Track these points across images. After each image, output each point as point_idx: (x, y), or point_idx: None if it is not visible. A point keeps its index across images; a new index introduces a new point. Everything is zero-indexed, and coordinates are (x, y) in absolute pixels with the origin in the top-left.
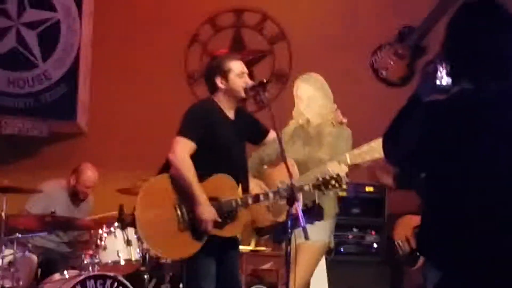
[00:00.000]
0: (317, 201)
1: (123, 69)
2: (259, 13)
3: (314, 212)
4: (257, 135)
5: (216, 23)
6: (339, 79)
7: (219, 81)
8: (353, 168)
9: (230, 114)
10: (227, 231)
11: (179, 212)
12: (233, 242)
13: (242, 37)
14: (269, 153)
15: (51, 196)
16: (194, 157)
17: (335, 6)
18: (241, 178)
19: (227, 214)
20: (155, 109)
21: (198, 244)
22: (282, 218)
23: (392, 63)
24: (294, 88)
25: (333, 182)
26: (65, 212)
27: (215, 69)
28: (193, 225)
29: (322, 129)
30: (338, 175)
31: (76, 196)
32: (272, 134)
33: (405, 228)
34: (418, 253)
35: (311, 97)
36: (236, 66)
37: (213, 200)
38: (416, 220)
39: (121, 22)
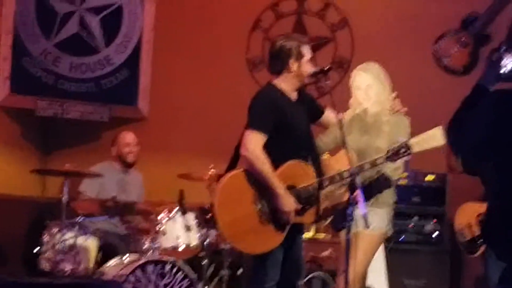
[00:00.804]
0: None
1: (184, 54)
2: (321, 0)
3: (381, 183)
4: (315, 113)
5: (278, 9)
6: (401, 67)
7: (291, 64)
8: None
9: (293, 96)
10: (308, 217)
11: (259, 206)
12: (300, 227)
13: (304, 23)
14: (327, 142)
15: (102, 175)
16: (265, 146)
17: None
18: (313, 159)
19: (305, 200)
20: (216, 94)
21: (282, 235)
22: (339, 205)
23: (455, 51)
24: (351, 78)
25: (402, 150)
26: (118, 185)
27: (289, 51)
28: (275, 217)
29: (380, 118)
30: (406, 142)
31: (124, 163)
32: (330, 117)
33: (467, 215)
34: (479, 241)
35: (368, 86)
36: (308, 52)
37: (290, 188)
38: (478, 207)
39: (183, 7)
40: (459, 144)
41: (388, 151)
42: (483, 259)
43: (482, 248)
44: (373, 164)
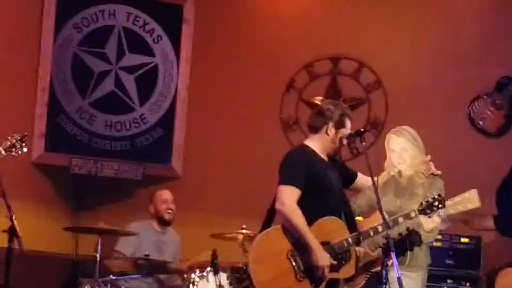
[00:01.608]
0: (411, 227)
1: (218, 113)
2: (355, 61)
3: (411, 238)
4: (347, 177)
5: (312, 70)
6: (434, 128)
7: (329, 128)
8: (447, 219)
9: (324, 157)
10: (343, 273)
11: (294, 263)
12: (336, 284)
13: (338, 84)
14: (361, 205)
15: (139, 234)
16: (299, 202)
17: (433, 55)
18: (347, 217)
19: (340, 255)
20: (250, 154)
21: None
22: (372, 268)
23: (489, 113)
24: (385, 141)
25: (436, 203)
26: (155, 245)
27: (333, 115)
28: (310, 273)
29: (414, 180)
30: (439, 195)
31: (161, 221)
32: (362, 180)
33: (510, 281)
34: None
35: (403, 150)
36: (349, 126)
37: (324, 244)
38: None
39: (218, 67)
40: (506, 211)
41: (421, 204)
42: None
43: None
44: (407, 217)
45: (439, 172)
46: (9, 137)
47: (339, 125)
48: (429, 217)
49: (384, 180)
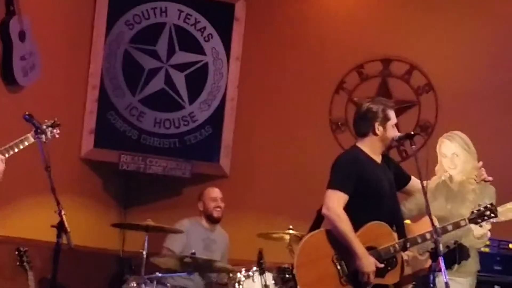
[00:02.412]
0: (459, 241)
1: (267, 113)
2: (407, 63)
3: (459, 253)
4: (401, 179)
5: (363, 71)
6: (486, 132)
7: (377, 127)
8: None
9: (378, 159)
10: (389, 279)
11: (339, 267)
12: None
13: (388, 86)
14: (411, 208)
15: (188, 231)
16: (347, 206)
17: (485, 59)
18: (396, 222)
19: (386, 261)
20: (298, 154)
21: None
22: (421, 272)
23: None
24: (437, 145)
25: (488, 212)
26: (203, 243)
27: (376, 114)
28: (355, 278)
29: (465, 186)
30: (491, 204)
31: (210, 218)
32: (415, 184)
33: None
34: None
35: (454, 155)
36: (393, 116)
37: (371, 249)
38: None
39: (268, 67)
40: None
41: (472, 213)
42: None
43: None
44: (457, 225)
45: (490, 178)
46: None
47: (385, 120)
48: (480, 226)
49: (434, 184)
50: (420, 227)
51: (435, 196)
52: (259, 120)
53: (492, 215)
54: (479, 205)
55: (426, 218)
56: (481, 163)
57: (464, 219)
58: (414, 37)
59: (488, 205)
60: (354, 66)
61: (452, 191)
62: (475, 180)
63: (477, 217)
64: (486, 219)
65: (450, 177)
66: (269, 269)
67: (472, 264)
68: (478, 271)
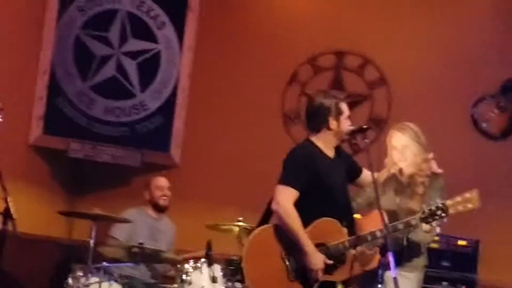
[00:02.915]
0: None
1: (219, 103)
2: (360, 57)
3: (408, 250)
4: (353, 172)
5: (316, 64)
6: (437, 128)
7: (331, 122)
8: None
9: (331, 153)
10: (337, 275)
11: (287, 263)
12: (330, 286)
13: (341, 79)
14: (361, 202)
15: (134, 221)
16: (297, 202)
17: (439, 54)
18: (347, 218)
19: (335, 258)
20: (249, 146)
21: None
22: (369, 267)
23: (493, 115)
24: (387, 137)
25: (439, 212)
26: (149, 232)
27: (329, 109)
28: (303, 274)
29: (415, 179)
30: (443, 204)
31: (156, 207)
32: (366, 176)
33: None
34: None
35: (405, 147)
36: (346, 109)
37: (320, 245)
38: None
39: (221, 57)
40: None
41: (423, 212)
42: None
43: None
44: (407, 224)
45: (440, 170)
46: None
47: (338, 114)
48: (431, 225)
49: (384, 177)
50: (369, 222)
51: (385, 189)
52: (210, 110)
53: (443, 214)
54: (431, 204)
55: (376, 212)
56: (431, 154)
57: (415, 218)
58: (368, 30)
59: (440, 205)
60: (308, 58)
61: (402, 185)
62: (425, 173)
63: (428, 217)
64: (437, 219)
65: (400, 170)
66: (218, 261)
67: (420, 259)
68: (427, 267)
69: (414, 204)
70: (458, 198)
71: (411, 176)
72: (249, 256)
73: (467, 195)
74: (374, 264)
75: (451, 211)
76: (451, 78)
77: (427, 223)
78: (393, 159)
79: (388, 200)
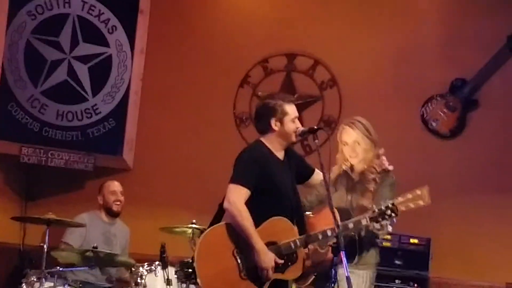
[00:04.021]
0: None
1: (172, 106)
2: (311, 58)
3: (359, 244)
4: (304, 173)
5: (267, 66)
6: (388, 127)
7: (273, 123)
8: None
9: (280, 155)
10: (289, 274)
11: (239, 261)
12: (282, 285)
13: (293, 81)
14: (312, 200)
15: (87, 225)
16: (249, 202)
17: (388, 55)
18: (297, 218)
19: (287, 257)
20: (202, 148)
21: None
22: (321, 264)
23: (442, 115)
24: (338, 132)
25: (389, 212)
26: (103, 236)
27: (271, 110)
28: (254, 273)
29: (366, 175)
30: (393, 204)
31: (109, 212)
32: (317, 177)
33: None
34: None
35: (356, 143)
36: (292, 111)
37: (271, 244)
38: None
39: (172, 60)
40: None
41: (374, 211)
42: None
43: None
44: (358, 224)
45: (391, 167)
46: None
47: (282, 115)
48: (380, 225)
49: (335, 174)
50: (321, 220)
51: (336, 186)
52: (163, 114)
53: (393, 214)
54: (381, 204)
55: (327, 210)
56: (382, 150)
57: (365, 218)
58: (318, 32)
59: (389, 205)
60: (259, 60)
61: (353, 181)
62: (376, 169)
63: (378, 216)
64: (386, 219)
65: (351, 167)
66: (172, 264)
67: (372, 256)
68: (379, 265)
69: (365, 201)
70: (409, 195)
71: (362, 173)
72: (201, 255)
73: (418, 192)
74: (326, 261)
75: (402, 208)
76: (401, 78)
77: (377, 222)
78: (344, 155)
79: (340, 198)
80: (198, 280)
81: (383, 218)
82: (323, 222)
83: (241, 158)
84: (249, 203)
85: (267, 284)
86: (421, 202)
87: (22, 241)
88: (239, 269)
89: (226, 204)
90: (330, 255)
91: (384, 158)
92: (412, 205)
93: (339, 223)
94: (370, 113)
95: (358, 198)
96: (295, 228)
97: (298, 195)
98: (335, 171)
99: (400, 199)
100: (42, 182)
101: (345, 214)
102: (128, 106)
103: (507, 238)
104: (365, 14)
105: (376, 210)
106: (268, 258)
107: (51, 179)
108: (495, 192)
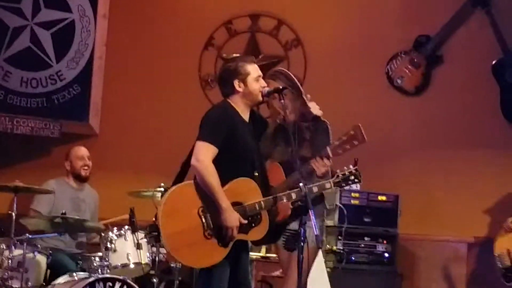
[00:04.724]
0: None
1: (136, 71)
2: (275, 19)
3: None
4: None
5: (231, 28)
6: (354, 86)
7: (237, 84)
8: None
9: (245, 116)
10: (252, 235)
11: (203, 220)
12: (246, 245)
13: (257, 42)
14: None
15: (55, 192)
16: (215, 161)
17: (352, 14)
18: (261, 179)
19: (251, 218)
20: (168, 111)
21: (225, 251)
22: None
23: (407, 71)
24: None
25: (352, 177)
26: (71, 202)
27: (233, 72)
28: (219, 232)
29: (299, 125)
30: (356, 169)
31: (77, 177)
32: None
33: (508, 240)
34: None
35: (281, 93)
36: (254, 70)
37: (236, 204)
38: None
39: (136, 24)
40: None
41: (338, 176)
42: None
43: None
44: (322, 188)
45: (320, 112)
46: None
47: (244, 75)
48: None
49: (272, 130)
50: (272, 176)
51: (276, 141)
52: (128, 78)
53: (356, 180)
54: (344, 170)
55: (272, 167)
56: (309, 96)
57: (330, 182)
58: None
59: (353, 171)
60: (223, 22)
61: (289, 133)
62: (307, 117)
63: (342, 181)
64: (350, 184)
65: (284, 118)
66: (141, 227)
67: (320, 205)
68: (348, 223)
69: (305, 151)
70: (343, 137)
71: (295, 123)
72: (165, 213)
73: (351, 132)
74: (284, 213)
75: (340, 151)
76: (365, 36)
77: (340, 187)
78: (276, 108)
79: (281, 152)
80: (162, 239)
81: (347, 184)
82: (272, 177)
83: (208, 117)
84: (215, 162)
85: (231, 244)
86: (355, 142)
87: None
88: (204, 228)
89: (193, 162)
90: (288, 205)
91: (313, 104)
92: (348, 147)
93: (304, 187)
94: (335, 72)
95: (297, 150)
96: (259, 190)
97: (262, 157)
98: (271, 127)
99: (336, 143)
100: (8, 150)
101: (288, 167)
102: (93, 71)
103: (473, 192)
104: None
105: (341, 175)
106: (233, 217)
107: (17, 147)
108: (460, 147)
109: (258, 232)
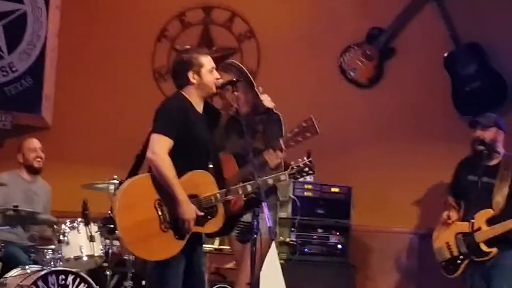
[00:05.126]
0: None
1: (89, 63)
2: (228, 11)
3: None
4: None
5: (184, 19)
6: (307, 78)
7: (191, 76)
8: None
9: (199, 108)
10: (208, 228)
11: (160, 212)
12: (199, 238)
13: (210, 34)
14: None
15: (7, 184)
16: (169, 154)
17: (304, 6)
18: (216, 173)
19: (207, 210)
20: (121, 104)
21: (181, 243)
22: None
23: (360, 64)
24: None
25: (306, 169)
26: (25, 194)
27: (187, 63)
28: (175, 224)
29: (251, 117)
30: (310, 161)
31: (30, 169)
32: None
33: (447, 234)
34: (459, 260)
35: (234, 85)
36: (207, 62)
37: (192, 197)
38: (459, 226)
39: (88, 15)
40: None
41: (292, 168)
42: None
43: (463, 267)
44: (277, 180)
45: (272, 104)
46: None
47: (198, 67)
48: (298, 181)
49: (224, 122)
50: (225, 168)
51: (229, 133)
52: (81, 70)
53: (310, 172)
54: (299, 162)
55: (226, 156)
56: (261, 89)
57: (285, 174)
58: None
59: (308, 162)
60: (176, 13)
61: (241, 126)
62: (260, 110)
63: (297, 173)
64: (304, 175)
65: (237, 111)
66: (95, 220)
67: (273, 196)
68: (302, 215)
69: (257, 143)
70: (296, 129)
71: (248, 115)
72: (122, 205)
73: (303, 124)
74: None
75: (292, 143)
76: (318, 29)
77: (295, 179)
78: (228, 100)
79: (235, 144)
80: (118, 232)
81: (301, 175)
82: (228, 170)
83: (162, 109)
84: (171, 154)
85: (187, 236)
86: (308, 134)
87: None
88: (160, 221)
89: (149, 154)
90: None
91: (265, 96)
92: (300, 138)
93: (259, 179)
94: (289, 64)
95: (250, 142)
96: (215, 182)
97: (216, 149)
98: (224, 118)
99: (288, 134)
100: None
101: (242, 159)
102: (45, 63)
103: (426, 184)
104: None
105: (295, 167)
106: (190, 210)
107: None
108: (413, 139)
109: (214, 224)
